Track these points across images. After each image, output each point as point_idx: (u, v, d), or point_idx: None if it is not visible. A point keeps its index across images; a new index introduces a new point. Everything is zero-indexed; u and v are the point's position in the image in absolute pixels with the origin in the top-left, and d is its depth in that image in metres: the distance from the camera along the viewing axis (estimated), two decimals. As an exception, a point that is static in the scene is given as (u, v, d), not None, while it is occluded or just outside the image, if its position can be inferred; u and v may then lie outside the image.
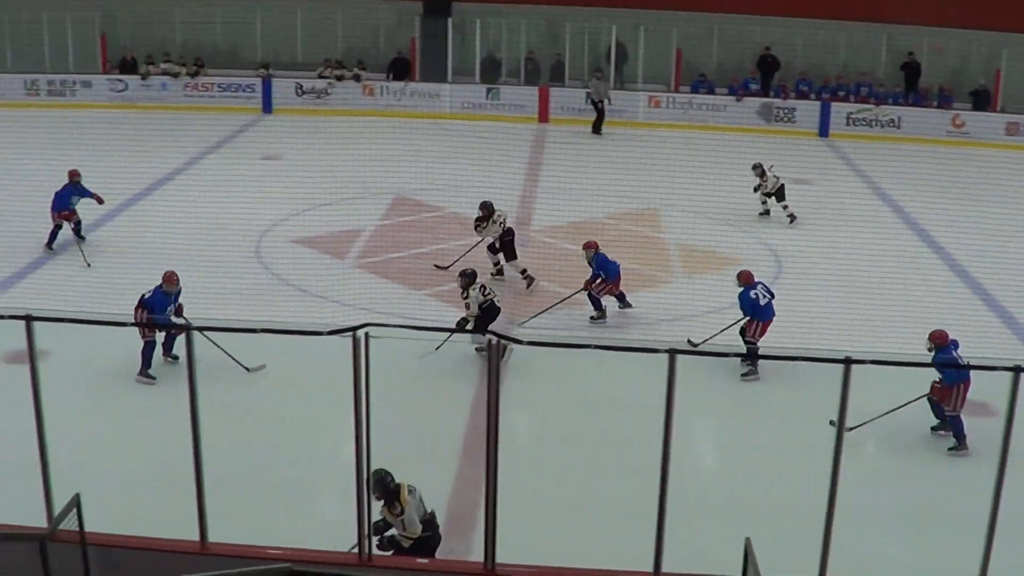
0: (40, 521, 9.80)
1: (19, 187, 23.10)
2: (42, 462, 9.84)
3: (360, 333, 8.29)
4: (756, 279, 16.41)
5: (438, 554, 10.70)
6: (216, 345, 14.26)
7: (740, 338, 15.96)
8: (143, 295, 15.52)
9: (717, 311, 17.25)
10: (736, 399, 15.51)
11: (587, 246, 17.85)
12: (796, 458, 13.12)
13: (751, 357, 15.80)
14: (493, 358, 8.42)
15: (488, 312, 16.28)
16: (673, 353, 7.92)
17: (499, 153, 26.17)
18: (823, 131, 34.42)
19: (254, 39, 38.48)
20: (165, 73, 36.56)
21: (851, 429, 12.44)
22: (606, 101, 33.49)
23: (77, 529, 9.54)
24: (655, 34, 35.99)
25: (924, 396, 13.95)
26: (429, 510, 10.87)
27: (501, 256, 19.69)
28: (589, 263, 17.76)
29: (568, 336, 16.69)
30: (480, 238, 19.78)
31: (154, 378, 15.26)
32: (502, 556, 8.81)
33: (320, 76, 36.07)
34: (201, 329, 10.30)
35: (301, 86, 35.85)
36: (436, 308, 17.71)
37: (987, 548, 8.32)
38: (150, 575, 9.31)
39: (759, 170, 23.82)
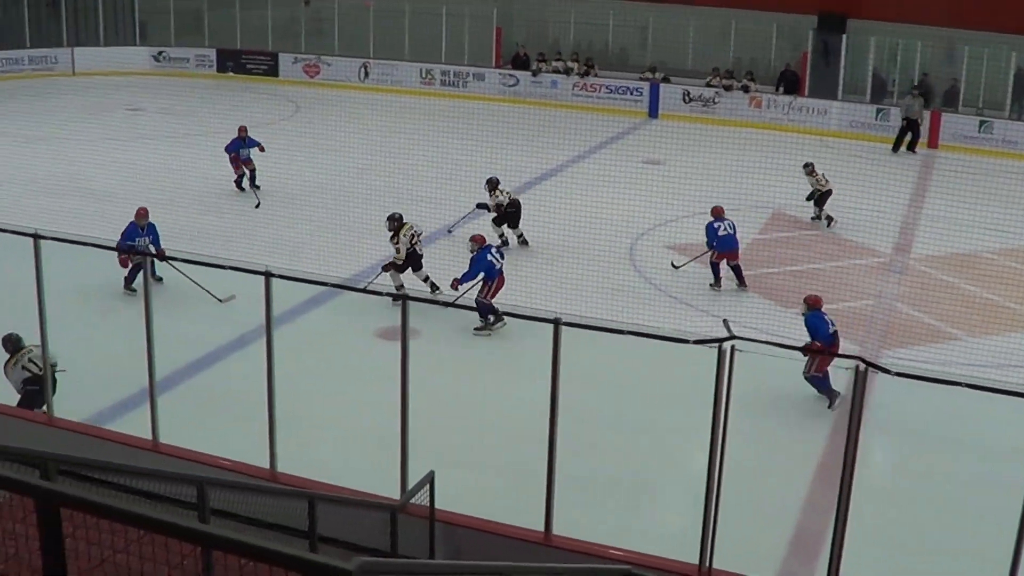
0: (394, 492, 10.12)
1: (417, 171, 24.11)
2: (402, 437, 10.18)
3: (726, 345, 8.17)
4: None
5: None
6: (187, 277, 13.81)
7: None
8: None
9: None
10: None
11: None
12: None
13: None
14: (858, 387, 8.10)
15: (412, 258, 18.05)
16: None
17: (884, 176, 25.36)
18: None
19: (645, 43, 38.77)
20: (556, 71, 37.37)
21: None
22: (919, 120, 31.91)
23: (427, 505, 9.82)
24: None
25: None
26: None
27: (505, 227, 21.27)
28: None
29: (941, 372, 15.97)
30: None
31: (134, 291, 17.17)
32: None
33: (708, 84, 35.90)
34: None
35: (688, 93, 35.82)
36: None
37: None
38: (490, 558, 9.43)
39: (809, 168, 23.47)
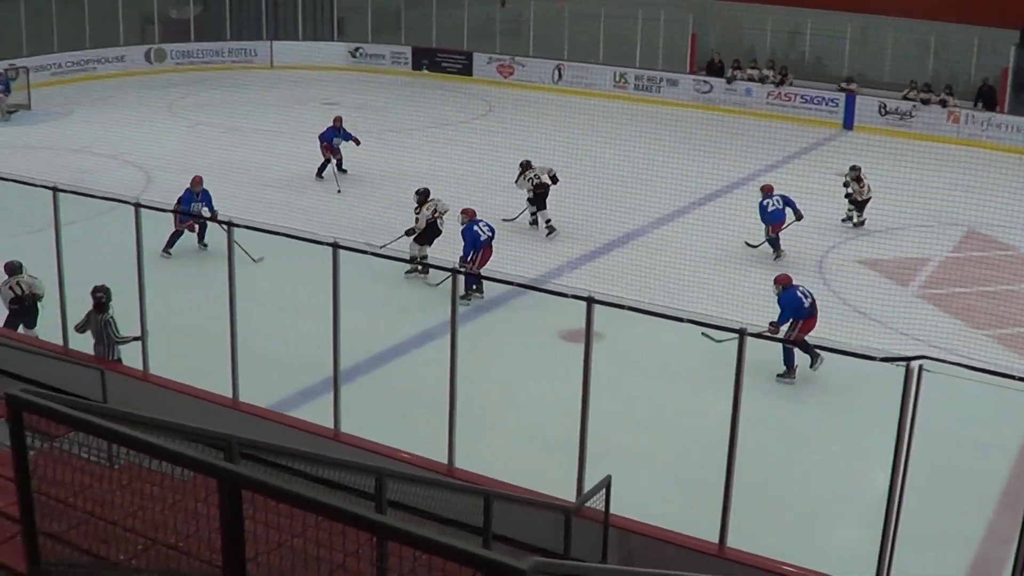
0: (570, 494, 10.10)
1: (607, 174, 24.12)
2: (581, 439, 10.16)
3: (914, 364, 7.94)
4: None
5: None
6: (235, 242, 13.84)
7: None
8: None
9: None
10: None
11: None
12: None
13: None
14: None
15: (430, 229, 19.32)
16: None
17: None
18: None
19: (841, 53, 38.03)
20: (751, 79, 36.95)
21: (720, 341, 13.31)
22: None
23: (602, 509, 9.77)
24: None
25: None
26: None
27: (535, 207, 22.30)
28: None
29: None
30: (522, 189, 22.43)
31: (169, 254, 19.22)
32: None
33: (905, 98, 35.01)
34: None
35: (884, 105, 35.00)
36: (995, 351, 16.70)
37: None
38: (663, 566, 9.35)
39: (856, 172, 23.15)
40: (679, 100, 36.56)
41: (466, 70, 40.80)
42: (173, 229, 19.58)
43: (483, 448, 11.98)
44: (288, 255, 14.19)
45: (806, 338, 14.99)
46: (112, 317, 13.58)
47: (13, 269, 15.25)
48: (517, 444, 13.29)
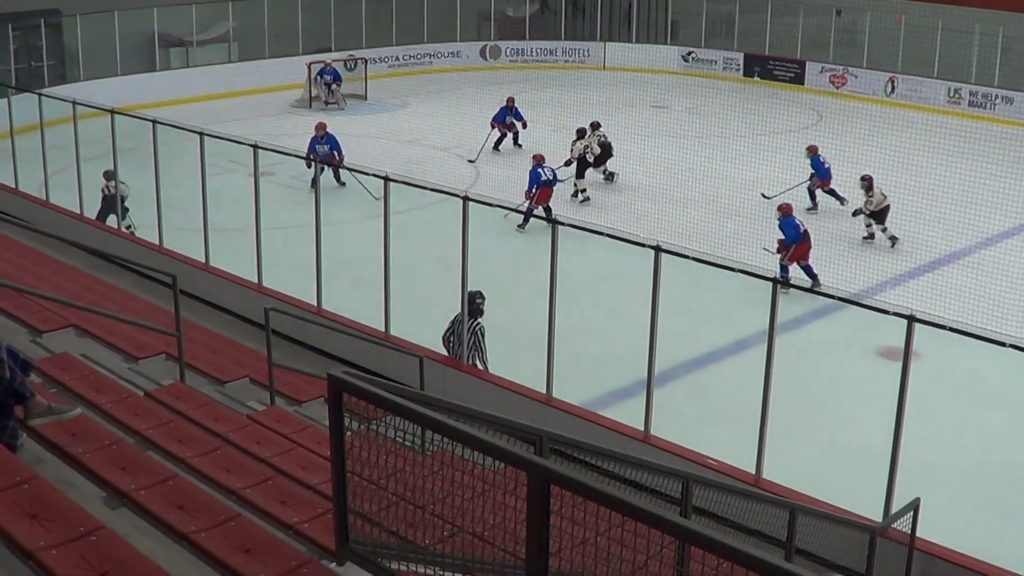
0: (875, 514, 9.98)
1: (933, 191, 23.41)
2: (892, 459, 10.01)
3: None
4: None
5: None
6: (357, 180, 13.38)
7: None
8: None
9: None
10: None
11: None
12: None
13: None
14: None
15: (582, 162, 24.42)
16: None
17: None
18: None
19: None
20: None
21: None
22: None
23: (908, 532, 9.62)
24: None
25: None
26: None
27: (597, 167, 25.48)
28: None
29: None
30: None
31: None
32: None
33: None
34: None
35: None
36: None
37: None
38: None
39: (866, 183, 21.63)
40: (1014, 119, 34.96)
41: (798, 79, 40.19)
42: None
43: (791, 461, 11.91)
44: (610, 254, 14.44)
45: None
46: (483, 325, 13.88)
47: (109, 175, 19.27)
48: (826, 459, 13.09)
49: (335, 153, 24.21)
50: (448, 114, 33.71)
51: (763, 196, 23.38)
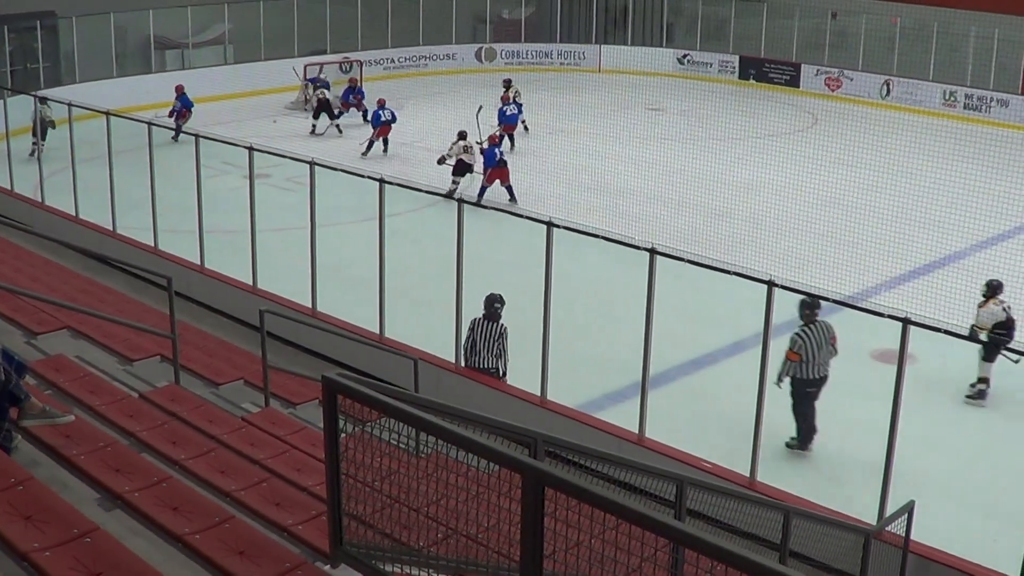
0: (870, 516, 9.99)
1: (927, 194, 23.45)
2: (886, 462, 10.02)
3: None
4: None
5: None
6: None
7: None
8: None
9: None
10: None
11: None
12: None
13: None
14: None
15: (459, 166, 24.59)
16: None
17: None
18: None
19: None
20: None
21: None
22: None
23: (903, 534, 9.63)
24: None
25: None
26: None
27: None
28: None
29: None
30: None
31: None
32: None
33: None
34: None
35: None
36: None
37: None
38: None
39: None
40: (1008, 121, 34.97)
41: (793, 81, 40.20)
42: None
43: (786, 464, 11.93)
44: (606, 257, 14.45)
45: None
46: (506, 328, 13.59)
47: (43, 100, 22.79)
48: (820, 462, 13.10)
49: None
50: (444, 116, 33.69)
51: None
